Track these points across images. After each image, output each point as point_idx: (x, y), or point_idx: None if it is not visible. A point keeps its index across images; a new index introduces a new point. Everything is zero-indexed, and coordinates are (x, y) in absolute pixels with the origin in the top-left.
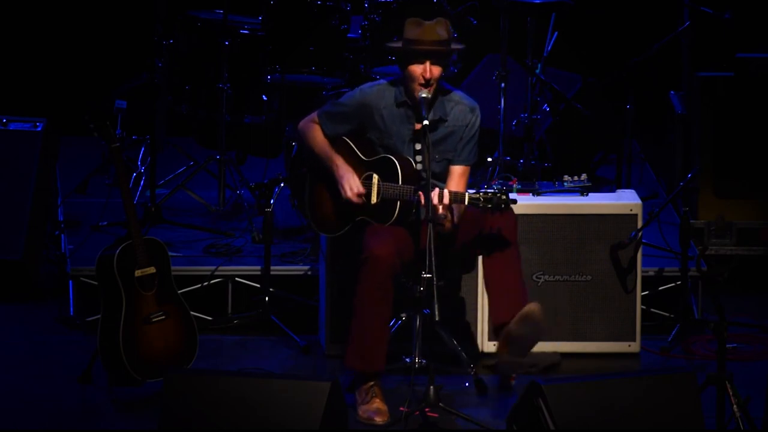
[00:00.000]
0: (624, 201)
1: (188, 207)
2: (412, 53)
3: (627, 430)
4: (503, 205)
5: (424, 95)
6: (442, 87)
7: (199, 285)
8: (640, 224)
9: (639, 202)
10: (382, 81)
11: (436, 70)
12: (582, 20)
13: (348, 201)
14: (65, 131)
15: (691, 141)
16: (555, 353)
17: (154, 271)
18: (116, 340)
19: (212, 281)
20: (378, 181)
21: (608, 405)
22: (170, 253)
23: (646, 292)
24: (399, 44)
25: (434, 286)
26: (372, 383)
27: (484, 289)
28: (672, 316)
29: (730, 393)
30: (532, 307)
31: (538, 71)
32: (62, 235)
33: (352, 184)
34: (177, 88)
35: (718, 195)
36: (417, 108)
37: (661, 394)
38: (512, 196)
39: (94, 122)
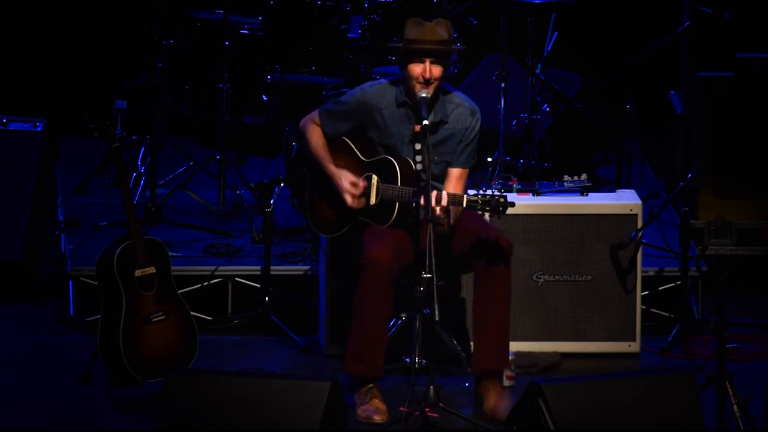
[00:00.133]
0: (624, 201)
1: (188, 207)
2: (413, 52)
3: (627, 430)
4: (501, 208)
5: (423, 95)
6: (443, 88)
7: (199, 285)
8: (640, 224)
9: (639, 202)
10: (383, 80)
11: (437, 70)
12: (582, 20)
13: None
14: (65, 131)
15: (691, 141)
16: (555, 353)
17: (154, 271)
18: (116, 340)
19: (212, 281)
20: (377, 182)
21: (608, 405)
22: (170, 253)
23: (646, 292)
24: (399, 44)
25: (434, 286)
26: (371, 385)
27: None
28: (672, 316)
29: (730, 393)
30: (501, 413)
31: (538, 71)
32: (62, 235)
33: (350, 187)
34: (177, 88)
35: (718, 195)
36: (417, 108)
37: (661, 394)
38: (510, 199)
39: (94, 122)
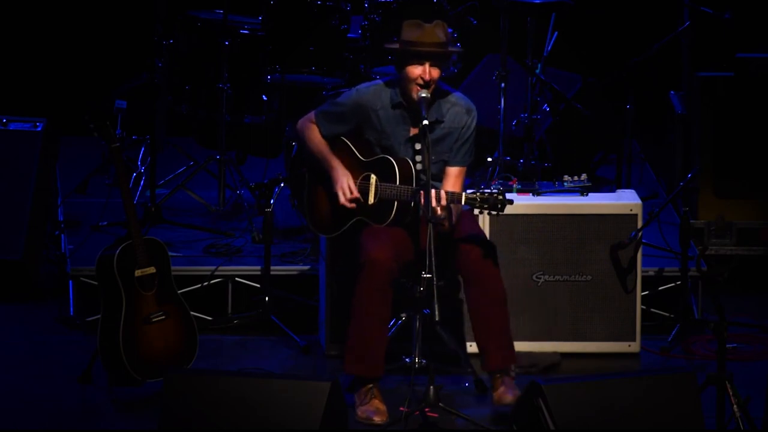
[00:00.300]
0: (624, 201)
1: (188, 207)
2: (412, 55)
3: (627, 430)
4: (500, 206)
5: (423, 95)
6: (439, 88)
7: (199, 285)
8: (640, 224)
9: (639, 202)
10: (378, 81)
11: (436, 72)
12: (582, 20)
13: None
14: (65, 131)
15: (691, 141)
16: (555, 353)
17: (154, 271)
18: (116, 340)
19: (212, 281)
20: (375, 181)
21: (608, 405)
22: (170, 253)
23: (646, 292)
24: (397, 45)
25: (434, 286)
26: (371, 385)
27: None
28: (672, 316)
29: (730, 393)
30: (509, 397)
31: (538, 71)
32: (62, 235)
33: (345, 189)
34: (177, 88)
35: (718, 195)
36: (412, 109)
37: (661, 394)
38: (509, 196)
39: (94, 122)
